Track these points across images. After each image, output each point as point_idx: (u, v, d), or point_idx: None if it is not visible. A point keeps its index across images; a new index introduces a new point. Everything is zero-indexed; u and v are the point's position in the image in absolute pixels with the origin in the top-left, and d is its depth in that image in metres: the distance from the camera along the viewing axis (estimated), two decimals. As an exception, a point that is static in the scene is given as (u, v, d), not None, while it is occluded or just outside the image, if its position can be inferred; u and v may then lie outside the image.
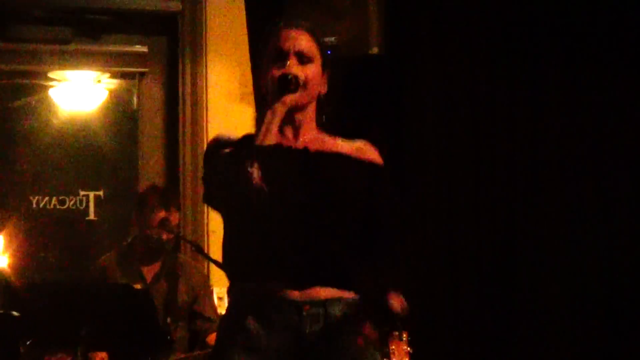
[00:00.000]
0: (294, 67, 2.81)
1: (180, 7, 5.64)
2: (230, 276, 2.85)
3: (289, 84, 2.76)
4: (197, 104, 5.49)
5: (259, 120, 2.76)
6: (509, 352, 4.91)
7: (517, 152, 5.07)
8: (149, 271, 4.65)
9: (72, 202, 5.67)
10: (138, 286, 4.43)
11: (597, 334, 4.92)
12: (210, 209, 3.01)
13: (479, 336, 4.93)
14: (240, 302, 2.80)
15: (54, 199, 5.65)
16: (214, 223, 5.11)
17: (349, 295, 2.78)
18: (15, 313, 3.93)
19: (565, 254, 4.95)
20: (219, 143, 2.84)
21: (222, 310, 4.67)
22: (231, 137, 2.85)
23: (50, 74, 5.74)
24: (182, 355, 4.49)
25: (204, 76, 5.50)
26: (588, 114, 5.09)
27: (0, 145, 5.67)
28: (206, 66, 5.51)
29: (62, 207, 5.67)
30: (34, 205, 5.62)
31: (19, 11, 5.54)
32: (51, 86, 5.78)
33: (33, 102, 5.74)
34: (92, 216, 5.69)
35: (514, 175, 5.05)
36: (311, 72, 2.84)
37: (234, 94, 5.46)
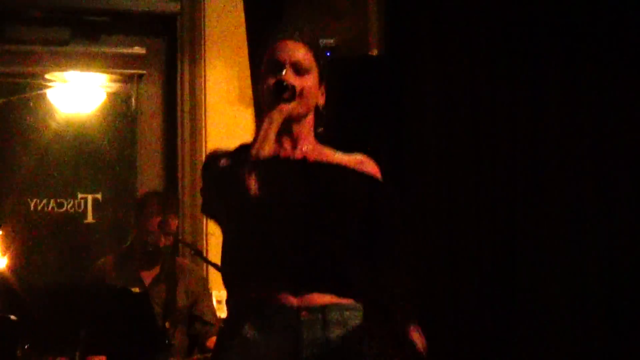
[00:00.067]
0: (290, 77, 2.79)
1: (179, 8, 5.63)
2: (228, 284, 2.84)
3: (284, 90, 2.74)
4: (196, 106, 5.49)
5: (257, 129, 2.75)
6: (509, 352, 4.91)
7: (517, 152, 5.07)
8: (148, 275, 4.66)
9: (70, 205, 5.66)
10: (136, 290, 4.43)
11: (597, 334, 4.91)
12: (208, 214, 3.01)
13: (479, 336, 4.93)
14: (237, 309, 2.79)
15: (52, 201, 5.64)
16: (213, 226, 5.08)
17: (347, 301, 2.77)
18: (13, 317, 3.92)
19: (565, 254, 4.94)
20: (216, 155, 2.83)
21: (221, 313, 4.67)
22: (229, 149, 2.84)
23: (48, 76, 5.73)
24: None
25: (203, 78, 5.49)
26: (588, 114, 5.08)
27: (-2, 147, 5.68)
28: (205, 68, 5.51)
29: (61, 210, 5.66)
30: (32, 208, 5.62)
31: (16, 12, 5.53)
32: (49, 86, 5.76)
33: (31, 103, 5.72)
34: (90, 219, 5.68)
35: (514, 176, 5.05)
36: (308, 83, 2.83)
37: (233, 95, 5.45)
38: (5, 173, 5.63)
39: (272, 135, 2.71)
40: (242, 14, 5.15)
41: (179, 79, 5.59)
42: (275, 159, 2.75)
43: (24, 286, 4.29)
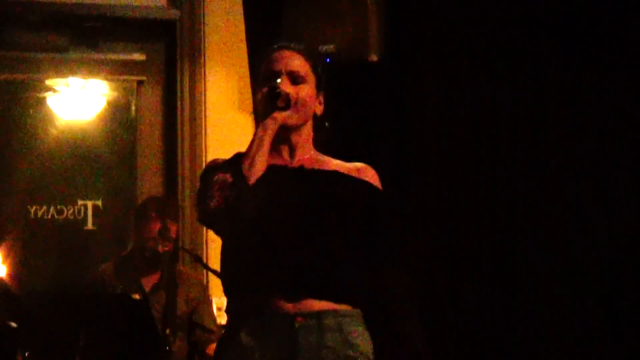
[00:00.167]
0: (285, 85, 2.79)
1: (179, 14, 5.61)
2: (227, 291, 2.85)
3: (277, 97, 2.74)
4: (196, 112, 5.47)
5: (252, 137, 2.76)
6: (509, 352, 4.92)
7: (518, 152, 5.09)
8: (148, 282, 4.65)
9: (70, 212, 5.65)
10: (136, 296, 4.42)
11: (597, 334, 4.91)
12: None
13: (479, 336, 4.93)
14: (235, 315, 2.81)
15: (52, 208, 5.63)
16: (213, 233, 5.09)
17: (343, 307, 2.77)
18: (13, 324, 3.92)
19: (565, 254, 4.95)
20: (214, 165, 2.84)
21: (221, 320, 4.66)
22: (226, 160, 2.84)
23: (48, 82, 5.72)
24: (181, 366, 4.50)
25: (203, 84, 5.48)
26: (588, 114, 5.09)
27: (-3, 153, 5.68)
28: (204, 74, 5.49)
29: (60, 217, 5.65)
30: (32, 215, 5.61)
31: (15, 18, 5.52)
32: (49, 93, 5.76)
33: (30, 110, 5.72)
34: (90, 226, 5.67)
35: (514, 176, 5.07)
36: (304, 92, 2.83)
37: (233, 101, 5.44)
38: (5, 179, 5.62)
39: (266, 143, 2.72)
40: (242, 20, 5.16)
41: (178, 85, 5.57)
42: (272, 167, 2.75)
43: (24, 293, 4.30)
